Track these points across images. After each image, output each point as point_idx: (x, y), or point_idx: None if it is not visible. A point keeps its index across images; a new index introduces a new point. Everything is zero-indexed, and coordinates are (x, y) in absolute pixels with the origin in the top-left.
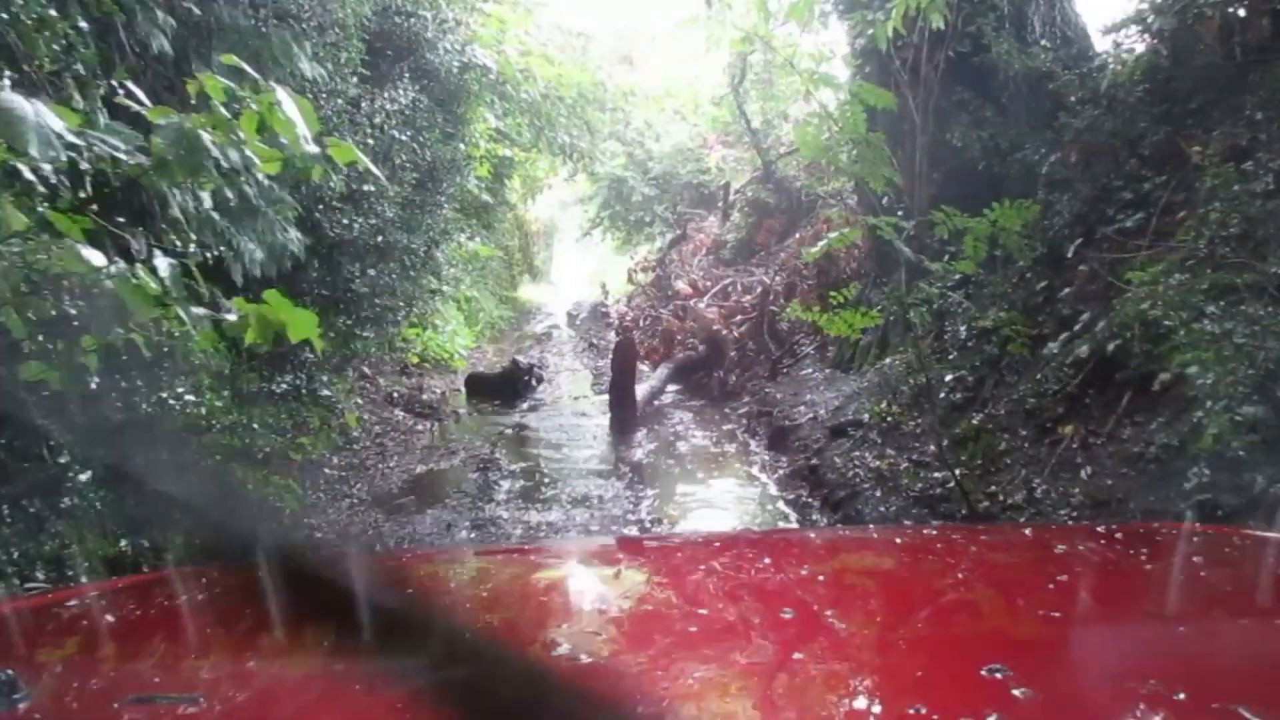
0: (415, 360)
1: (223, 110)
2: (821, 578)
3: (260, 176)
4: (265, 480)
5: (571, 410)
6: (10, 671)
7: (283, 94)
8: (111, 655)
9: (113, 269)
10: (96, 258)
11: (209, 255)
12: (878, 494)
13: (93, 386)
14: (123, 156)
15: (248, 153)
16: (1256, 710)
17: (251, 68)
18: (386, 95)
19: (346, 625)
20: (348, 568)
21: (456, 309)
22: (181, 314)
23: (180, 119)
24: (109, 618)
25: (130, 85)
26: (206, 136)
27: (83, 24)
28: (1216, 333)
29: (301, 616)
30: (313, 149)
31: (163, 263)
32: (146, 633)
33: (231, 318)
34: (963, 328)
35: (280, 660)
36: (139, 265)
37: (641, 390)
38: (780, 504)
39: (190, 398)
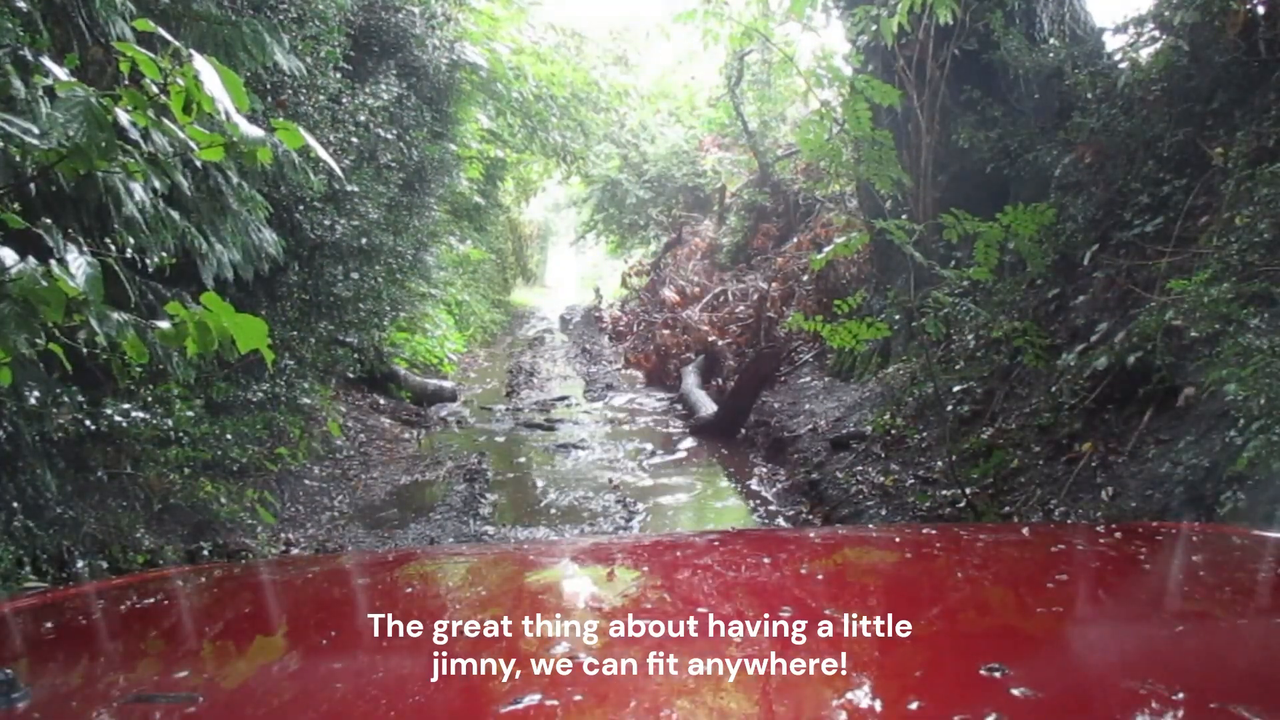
0: (404, 365)
1: (154, 88)
2: (820, 576)
3: (230, 173)
4: (238, 494)
5: (570, 420)
6: (10, 671)
7: (201, 62)
8: (111, 655)
9: (14, 269)
10: (6, 255)
11: (164, 257)
12: (883, 512)
13: (33, 400)
14: (34, 141)
15: (183, 135)
16: (1256, 710)
17: (221, 59)
18: (368, 91)
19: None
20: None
21: (447, 313)
22: (93, 321)
23: (86, 92)
24: (108, 618)
25: (46, 60)
26: (124, 115)
27: (20, 3)
28: (1264, 347)
29: (299, 615)
30: (252, 129)
31: (78, 261)
32: (146, 632)
33: (164, 325)
34: (971, 336)
35: (279, 659)
36: (54, 264)
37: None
38: (780, 520)
39: (160, 408)
